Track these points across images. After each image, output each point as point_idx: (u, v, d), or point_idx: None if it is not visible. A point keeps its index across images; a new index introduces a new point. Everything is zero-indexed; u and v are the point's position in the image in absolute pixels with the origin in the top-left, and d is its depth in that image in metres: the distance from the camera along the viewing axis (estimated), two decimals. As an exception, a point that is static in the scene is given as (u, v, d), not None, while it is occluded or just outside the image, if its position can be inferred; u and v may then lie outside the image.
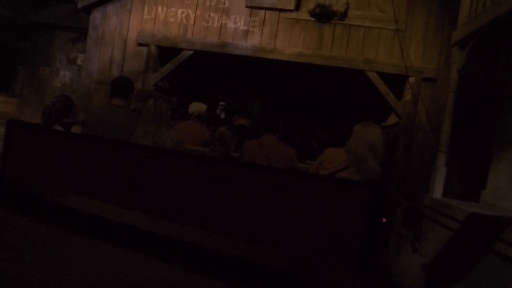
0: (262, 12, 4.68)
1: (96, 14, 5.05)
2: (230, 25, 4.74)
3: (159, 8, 4.88)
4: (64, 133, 2.21)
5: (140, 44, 4.91)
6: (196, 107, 3.27)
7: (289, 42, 4.63)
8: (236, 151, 2.66)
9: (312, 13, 4.52)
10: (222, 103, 6.33)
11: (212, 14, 4.78)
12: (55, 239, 0.49)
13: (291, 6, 4.55)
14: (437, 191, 3.53)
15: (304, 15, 4.58)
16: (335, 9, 4.44)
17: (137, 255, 0.44)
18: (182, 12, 4.83)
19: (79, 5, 5.00)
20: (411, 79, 4.36)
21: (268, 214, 1.54)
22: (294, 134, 4.84)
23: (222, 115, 6.21)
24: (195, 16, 4.81)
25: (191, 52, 4.78)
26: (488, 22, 3.03)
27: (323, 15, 4.50)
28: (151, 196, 1.65)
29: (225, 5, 4.75)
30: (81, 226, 0.49)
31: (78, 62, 6.32)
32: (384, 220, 4.16)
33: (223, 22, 4.75)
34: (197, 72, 6.27)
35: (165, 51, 4.91)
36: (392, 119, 4.83)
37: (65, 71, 6.48)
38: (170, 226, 0.48)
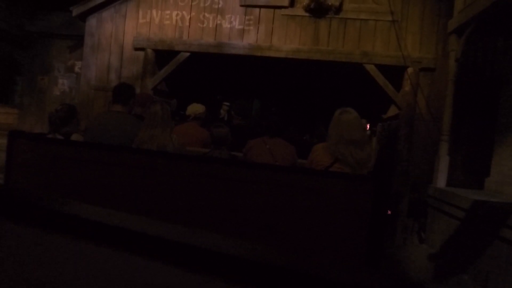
0: (257, 10, 4.67)
1: (92, 21, 5.05)
2: (226, 24, 4.73)
3: (154, 11, 4.88)
4: (66, 141, 2.22)
5: (136, 49, 4.91)
6: (193, 108, 3.24)
7: (285, 39, 4.62)
8: (234, 149, 2.70)
9: (307, 9, 4.51)
10: (226, 103, 6.19)
11: (207, 14, 4.77)
12: (59, 246, 0.49)
13: (286, 3, 4.54)
14: (441, 181, 3.52)
15: (299, 11, 4.57)
16: (330, 3, 4.43)
17: (142, 260, 0.44)
18: (177, 14, 4.83)
19: (74, 13, 5.00)
20: (410, 69, 4.35)
21: (273, 212, 1.54)
22: (293, 131, 4.82)
23: (226, 116, 6.10)
24: (190, 18, 4.80)
25: (188, 54, 4.77)
26: (484, 8, 3.01)
27: (318, 10, 4.48)
28: (156, 200, 1.65)
29: (220, 5, 4.74)
30: (85, 233, 0.49)
31: (76, 69, 6.33)
32: (389, 212, 4.15)
33: (218, 22, 4.75)
34: (195, 73, 6.26)
35: (162, 54, 4.91)
36: (392, 111, 4.82)
37: (63, 79, 6.49)
38: (175, 229, 0.48)
